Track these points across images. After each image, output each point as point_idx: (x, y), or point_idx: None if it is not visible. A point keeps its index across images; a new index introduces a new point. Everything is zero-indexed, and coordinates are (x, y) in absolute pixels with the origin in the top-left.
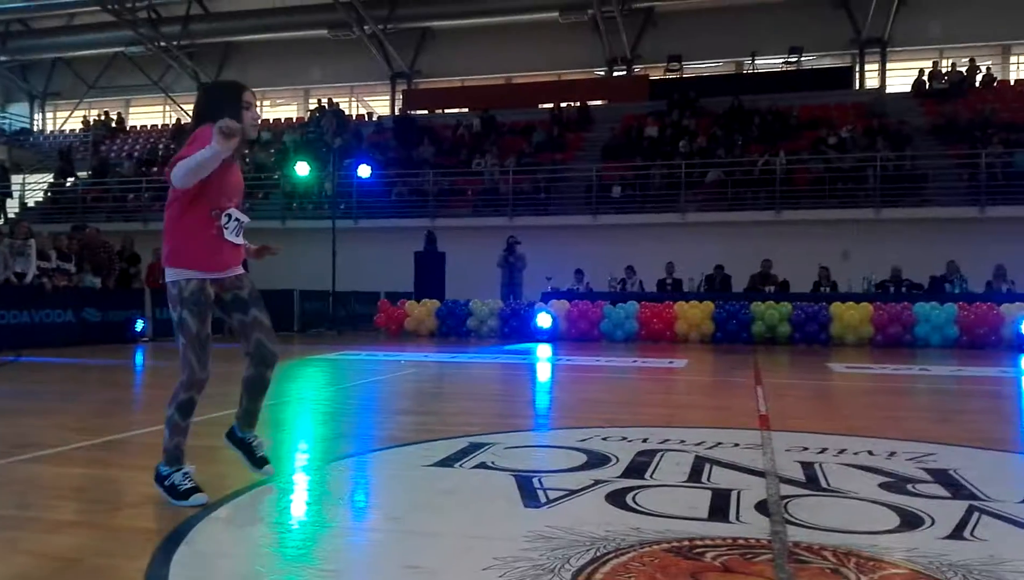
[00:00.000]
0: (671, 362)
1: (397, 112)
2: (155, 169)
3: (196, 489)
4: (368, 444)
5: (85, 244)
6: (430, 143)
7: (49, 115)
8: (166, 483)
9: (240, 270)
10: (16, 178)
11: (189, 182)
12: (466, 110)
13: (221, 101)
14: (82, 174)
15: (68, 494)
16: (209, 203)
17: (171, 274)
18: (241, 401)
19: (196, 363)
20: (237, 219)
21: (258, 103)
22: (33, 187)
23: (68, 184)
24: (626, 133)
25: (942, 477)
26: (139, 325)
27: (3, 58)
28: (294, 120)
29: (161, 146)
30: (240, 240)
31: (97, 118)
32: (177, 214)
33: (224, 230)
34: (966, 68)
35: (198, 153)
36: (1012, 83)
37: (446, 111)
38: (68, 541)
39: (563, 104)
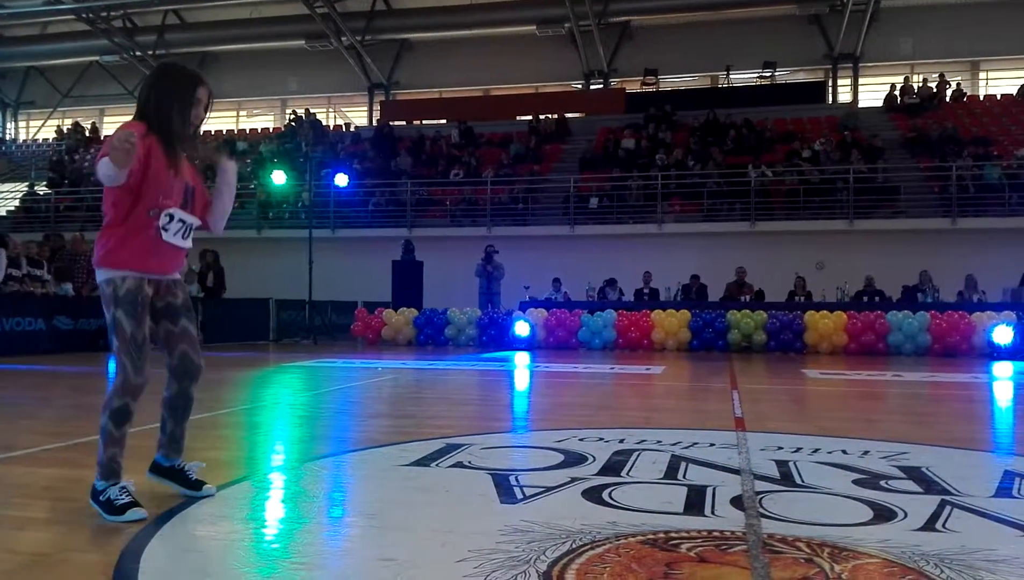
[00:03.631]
0: (648, 369)
1: (375, 123)
2: None
3: (134, 503)
4: (343, 445)
5: (67, 251)
6: (408, 154)
7: (22, 124)
8: (101, 498)
9: (177, 277)
10: None
11: (109, 183)
12: (444, 121)
13: (170, 93)
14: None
15: (37, 493)
16: (147, 202)
17: (104, 273)
18: (164, 426)
19: (131, 367)
20: (181, 220)
21: (235, 112)
22: (5, 196)
23: (42, 193)
24: (603, 145)
25: (915, 474)
26: None
27: None
28: (271, 130)
29: None
30: (185, 243)
31: (69, 128)
32: (113, 212)
33: (163, 231)
34: (936, 83)
35: (100, 166)
36: (981, 98)
37: (424, 122)
38: (38, 537)
39: (541, 116)
